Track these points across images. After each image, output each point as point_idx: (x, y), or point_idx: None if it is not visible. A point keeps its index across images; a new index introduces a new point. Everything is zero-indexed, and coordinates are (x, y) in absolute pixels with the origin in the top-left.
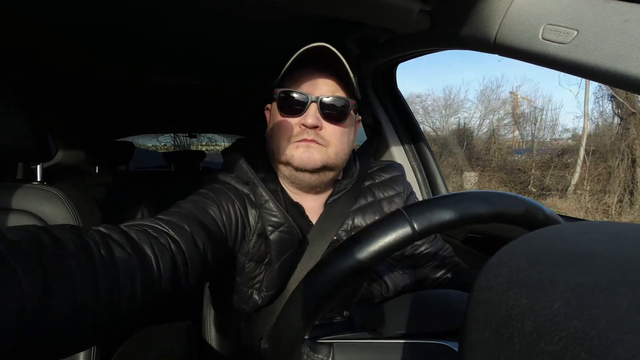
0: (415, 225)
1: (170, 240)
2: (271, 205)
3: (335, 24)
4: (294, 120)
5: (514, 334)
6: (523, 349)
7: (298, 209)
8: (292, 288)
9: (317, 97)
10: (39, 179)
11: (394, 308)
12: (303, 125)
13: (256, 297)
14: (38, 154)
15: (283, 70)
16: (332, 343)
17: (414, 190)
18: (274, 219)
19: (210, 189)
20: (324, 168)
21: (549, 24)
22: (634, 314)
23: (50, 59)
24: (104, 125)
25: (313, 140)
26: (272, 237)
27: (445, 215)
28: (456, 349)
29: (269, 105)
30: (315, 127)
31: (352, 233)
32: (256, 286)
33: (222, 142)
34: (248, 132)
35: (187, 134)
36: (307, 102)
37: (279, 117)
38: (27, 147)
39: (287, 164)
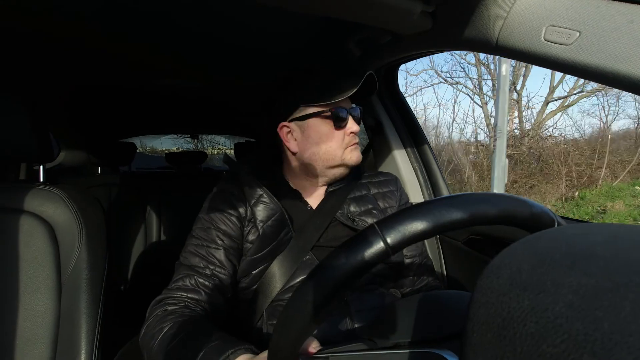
0: (388, 240)
1: (222, 290)
2: (266, 198)
3: (337, 25)
4: (342, 131)
5: (516, 336)
6: (525, 350)
7: (296, 195)
8: (288, 271)
9: (349, 110)
10: (41, 180)
11: (394, 314)
12: (352, 132)
13: (253, 286)
14: (40, 154)
15: (338, 97)
16: (328, 357)
17: (416, 191)
18: (268, 209)
19: (215, 202)
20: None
21: (551, 25)
22: (637, 316)
23: (53, 59)
24: (106, 126)
25: (357, 143)
26: (268, 223)
27: (418, 225)
28: (449, 358)
29: (287, 124)
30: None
31: (349, 216)
32: (255, 272)
33: (230, 147)
34: (250, 134)
35: (189, 135)
36: (347, 115)
37: (329, 130)
38: (30, 148)
39: (342, 165)
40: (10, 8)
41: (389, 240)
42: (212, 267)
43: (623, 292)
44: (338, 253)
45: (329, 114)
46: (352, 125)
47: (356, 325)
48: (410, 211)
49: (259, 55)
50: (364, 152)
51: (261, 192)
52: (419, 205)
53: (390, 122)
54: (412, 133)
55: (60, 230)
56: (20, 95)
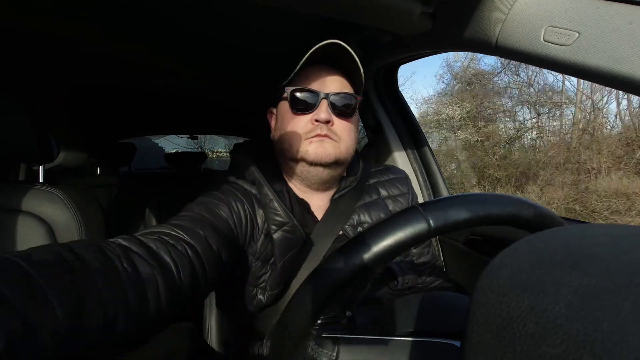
0: (431, 222)
1: (187, 246)
2: (275, 204)
3: (338, 26)
4: (306, 117)
5: (516, 336)
6: (525, 351)
7: (304, 206)
8: (295, 287)
9: (327, 94)
10: (41, 180)
11: (399, 308)
12: (316, 120)
13: (261, 296)
14: (40, 155)
15: (295, 70)
16: (338, 338)
17: (416, 191)
18: (278, 218)
19: (220, 189)
20: (336, 163)
21: (551, 26)
22: (637, 316)
23: (53, 59)
24: (106, 126)
25: (326, 135)
26: (275, 236)
27: (460, 214)
28: None
29: (272, 109)
30: (327, 122)
31: (359, 228)
32: (261, 285)
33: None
34: (251, 134)
35: (188, 136)
36: (318, 99)
37: (290, 115)
38: (30, 148)
39: (301, 159)
40: (10, 8)
41: (432, 221)
42: (200, 232)
43: (623, 293)
44: (381, 226)
45: (287, 94)
46: (319, 112)
47: (357, 317)
48: (456, 198)
49: (258, 55)
50: (364, 148)
51: (276, 204)
52: (464, 195)
53: (390, 122)
54: (411, 134)
55: (59, 231)
56: (20, 96)
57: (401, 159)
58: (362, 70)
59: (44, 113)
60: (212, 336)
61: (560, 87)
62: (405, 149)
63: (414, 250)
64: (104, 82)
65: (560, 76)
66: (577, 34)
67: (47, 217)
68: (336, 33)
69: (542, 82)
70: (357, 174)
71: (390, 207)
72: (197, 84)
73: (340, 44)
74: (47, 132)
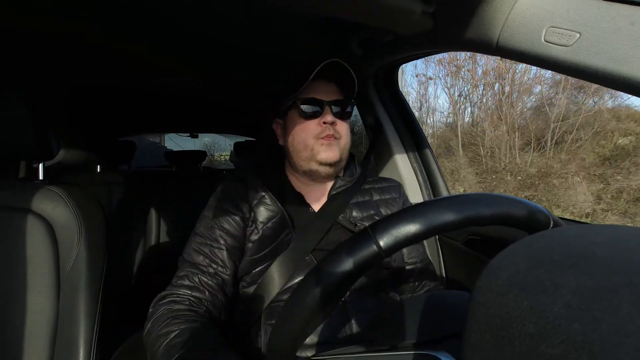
0: (381, 244)
1: (219, 276)
2: (266, 197)
3: (339, 25)
4: (314, 122)
5: (515, 336)
6: (524, 351)
7: (299, 198)
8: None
9: (330, 101)
10: (41, 178)
11: (391, 315)
12: (324, 123)
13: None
14: (40, 152)
15: (305, 84)
16: (325, 359)
17: (416, 191)
18: (268, 211)
19: (214, 212)
20: (339, 160)
21: (552, 26)
22: (635, 317)
23: (53, 59)
24: (106, 124)
25: (333, 135)
26: (265, 227)
27: (411, 228)
28: (445, 359)
29: (278, 120)
30: (332, 124)
31: (350, 220)
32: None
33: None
34: (252, 133)
35: (188, 135)
36: (323, 106)
37: (301, 121)
38: (29, 146)
39: (312, 159)
40: (10, 8)
41: (381, 243)
42: (214, 266)
43: (621, 293)
44: (333, 256)
45: (297, 103)
46: (327, 116)
47: (354, 328)
48: (404, 214)
49: (258, 55)
50: (365, 157)
51: (263, 194)
52: (412, 207)
53: (390, 122)
54: (412, 133)
55: (59, 229)
56: (21, 94)
57: (401, 159)
58: (356, 81)
59: (44, 110)
60: None
61: None
62: (405, 149)
63: (406, 260)
64: (104, 82)
65: None
66: (578, 35)
67: (47, 215)
68: (336, 32)
69: None
70: (353, 176)
71: (382, 209)
72: (197, 84)
73: (339, 62)
74: (47, 130)
